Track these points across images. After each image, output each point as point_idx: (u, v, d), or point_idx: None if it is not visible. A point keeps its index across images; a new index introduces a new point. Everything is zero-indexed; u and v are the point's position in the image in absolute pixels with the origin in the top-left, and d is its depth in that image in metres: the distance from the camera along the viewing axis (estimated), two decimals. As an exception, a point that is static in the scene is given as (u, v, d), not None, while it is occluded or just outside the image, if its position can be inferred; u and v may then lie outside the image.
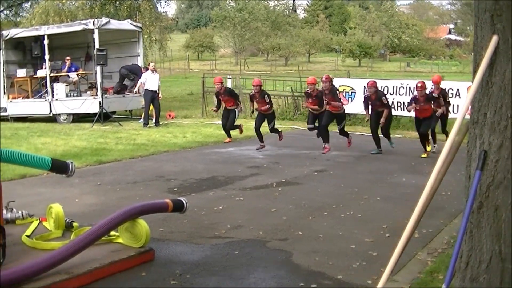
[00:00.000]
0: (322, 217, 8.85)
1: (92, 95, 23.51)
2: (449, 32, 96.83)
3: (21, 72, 25.19)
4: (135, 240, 6.92)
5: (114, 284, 6.13)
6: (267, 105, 15.72)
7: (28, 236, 7.22)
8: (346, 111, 16.47)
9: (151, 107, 22.26)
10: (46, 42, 23.84)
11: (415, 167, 13.08)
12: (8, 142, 16.81)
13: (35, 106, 24.67)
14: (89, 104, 23.14)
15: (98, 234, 6.48)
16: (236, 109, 17.34)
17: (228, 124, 17.49)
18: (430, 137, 15.17)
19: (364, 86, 19.14)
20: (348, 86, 21.94)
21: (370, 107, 15.42)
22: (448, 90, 18.26)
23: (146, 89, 21.91)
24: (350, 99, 21.12)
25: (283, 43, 74.66)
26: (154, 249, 7.01)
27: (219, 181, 11.61)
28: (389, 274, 4.51)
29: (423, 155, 14.73)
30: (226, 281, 6.15)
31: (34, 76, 25.26)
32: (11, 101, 25.22)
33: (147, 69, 23.47)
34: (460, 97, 19.06)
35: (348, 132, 16.29)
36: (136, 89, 23.31)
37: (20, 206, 8.35)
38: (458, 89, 19.33)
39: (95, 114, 22.21)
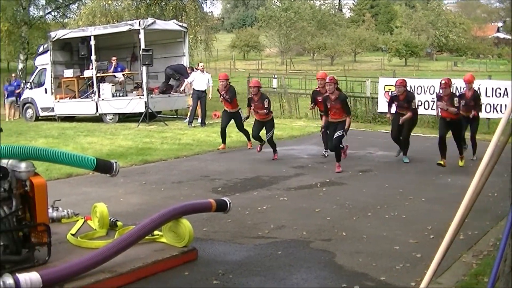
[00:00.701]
0: (366, 217, 8.77)
1: (138, 95, 23.69)
2: (498, 31, 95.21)
3: (68, 73, 25.53)
4: (179, 239, 6.94)
5: (157, 283, 6.16)
6: (265, 110, 13.98)
7: (73, 235, 7.29)
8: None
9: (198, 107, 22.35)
10: (92, 42, 24.13)
11: (461, 168, 12.86)
12: (55, 141, 17.05)
13: (82, 106, 24.96)
14: (135, 104, 23.33)
15: (142, 233, 6.51)
16: (239, 111, 16.05)
17: (239, 128, 16.19)
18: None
19: (410, 86, 18.71)
20: (394, 86, 21.70)
21: (395, 108, 14.04)
22: (495, 90, 17.93)
23: (194, 89, 22.02)
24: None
25: (329, 42, 74.30)
26: (197, 248, 7.02)
27: (263, 181, 11.60)
28: (432, 275, 4.44)
29: (460, 164, 13.20)
30: (268, 282, 6.13)
31: (81, 77, 25.56)
32: (58, 101, 25.58)
33: (192, 69, 23.57)
34: (508, 97, 18.59)
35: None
36: (182, 89, 23.46)
37: (65, 205, 8.45)
38: (506, 89, 18.81)
39: (140, 113, 22.39)
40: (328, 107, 12.68)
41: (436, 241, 6.71)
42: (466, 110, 13.50)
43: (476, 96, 13.89)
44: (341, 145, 12.73)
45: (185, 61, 25.22)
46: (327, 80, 12.96)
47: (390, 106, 14.32)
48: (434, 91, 19.48)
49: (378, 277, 6.22)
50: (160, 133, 19.45)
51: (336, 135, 12.48)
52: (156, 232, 7.08)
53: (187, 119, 22.73)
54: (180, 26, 25.31)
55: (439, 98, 13.17)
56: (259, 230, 8.09)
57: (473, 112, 13.70)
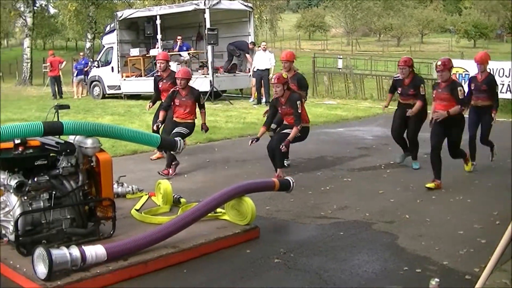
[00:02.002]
0: (430, 201, 8.65)
1: (203, 74, 23.80)
2: None
3: (135, 51, 25.87)
4: (241, 217, 6.97)
5: (218, 260, 6.21)
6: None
7: (137, 210, 7.41)
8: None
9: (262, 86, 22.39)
10: (158, 22, 24.38)
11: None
12: (121, 119, 17.30)
13: (148, 84, 25.12)
14: (200, 82, 23.40)
15: (205, 210, 6.56)
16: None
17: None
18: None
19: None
20: (462, 68, 21.27)
21: (399, 97, 11.01)
22: None
23: (256, 68, 22.06)
24: (463, 81, 20.45)
25: (396, 23, 73.15)
26: (260, 227, 7.04)
27: (327, 161, 11.56)
28: (496, 262, 4.35)
29: (466, 168, 10.60)
30: (329, 262, 6.12)
31: (146, 55, 25.84)
32: (124, 79, 25.92)
33: (254, 44, 23.56)
34: None
35: None
36: (249, 68, 23.51)
37: (130, 181, 8.58)
38: None
39: (205, 92, 22.50)
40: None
41: (502, 227, 6.56)
42: (477, 97, 10.64)
43: (490, 80, 10.60)
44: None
45: (250, 41, 25.19)
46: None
47: (391, 93, 11.37)
48: (503, 73, 19.04)
49: (441, 261, 6.13)
50: (225, 111, 19.54)
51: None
52: (219, 210, 7.13)
53: (252, 99, 22.81)
54: (245, 5, 25.25)
55: (434, 86, 9.93)
56: (321, 210, 8.07)
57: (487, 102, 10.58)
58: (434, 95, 9.59)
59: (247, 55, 23.88)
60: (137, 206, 7.57)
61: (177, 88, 10.48)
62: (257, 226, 7.00)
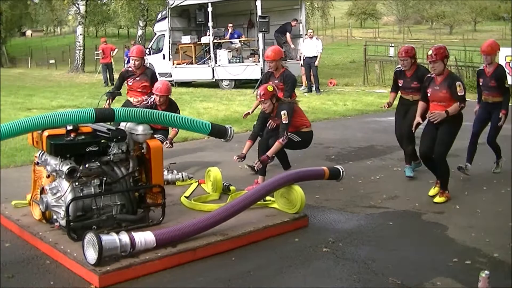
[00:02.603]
0: (481, 191, 8.53)
1: (254, 62, 23.83)
2: None
3: (186, 39, 26.01)
4: (290, 206, 6.98)
5: (267, 248, 6.22)
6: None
7: (186, 197, 7.46)
8: None
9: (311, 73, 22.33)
10: (210, 9, 24.40)
11: None
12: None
13: (199, 72, 25.34)
14: (251, 70, 23.50)
15: (254, 198, 6.57)
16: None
17: None
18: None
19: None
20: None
21: (400, 90, 9.52)
22: None
23: (305, 56, 22.03)
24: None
25: (448, 11, 72.24)
26: (309, 215, 7.03)
27: (377, 150, 11.48)
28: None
29: (436, 200, 8.04)
30: (378, 252, 6.08)
31: (198, 43, 25.99)
32: (175, 67, 26.09)
33: (296, 20, 23.49)
34: None
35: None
36: (300, 56, 23.44)
37: (180, 168, 8.63)
38: None
39: (256, 80, 22.52)
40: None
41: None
42: (487, 94, 9.37)
43: (498, 74, 9.18)
44: None
45: (302, 29, 25.10)
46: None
47: (394, 89, 9.68)
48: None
49: (491, 254, 6.02)
50: (275, 99, 19.49)
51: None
52: (268, 198, 7.14)
53: (303, 87, 22.77)
54: (296, -7, 25.19)
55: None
56: (371, 199, 8.03)
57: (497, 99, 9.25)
58: (429, 94, 8.07)
59: (287, 34, 23.74)
60: (187, 193, 7.64)
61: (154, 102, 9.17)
62: (306, 215, 7.00)
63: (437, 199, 7.93)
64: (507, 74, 9.45)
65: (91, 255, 5.34)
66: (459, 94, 7.72)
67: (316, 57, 22.02)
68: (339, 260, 5.86)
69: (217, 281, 5.40)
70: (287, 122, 8.27)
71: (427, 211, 7.49)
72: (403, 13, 75.11)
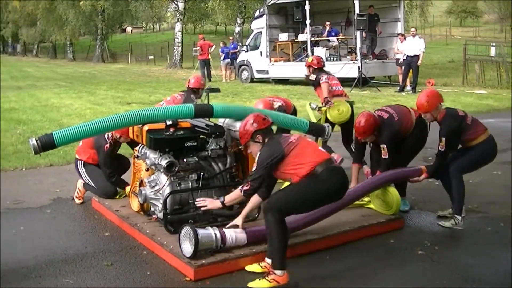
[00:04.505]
0: None
1: (352, 60, 23.67)
2: None
3: (283, 36, 26.10)
4: (386, 207, 6.92)
5: (361, 248, 6.19)
6: None
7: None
8: None
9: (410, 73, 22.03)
10: (307, 7, 24.37)
11: None
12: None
13: (296, 69, 25.32)
14: (348, 68, 23.35)
15: (351, 198, 6.52)
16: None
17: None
18: None
19: None
20: None
21: None
22: None
23: (406, 55, 21.75)
24: None
25: (556, 9, 69.79)
26: (404, 217, 6.94)
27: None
28: None
29: None
30: (475, 258, 5.94)
31: (295, 40, 26.02)
32: (273, 64, 26.19)
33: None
34: None
35: None
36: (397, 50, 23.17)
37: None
38: None
39: (354, 78, 22.36)
40: None
41: None
42: None
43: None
44: None
45: (400, 27, 24.77)
46: None
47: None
48: None
49: None
50: (373, 98, 19.34)
51: None
52: (366, 199, 7.07)
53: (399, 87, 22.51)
54: (395, -10, 24.91)
55: None
56: (469, 203, 7.79)
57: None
58: None
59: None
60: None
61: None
62: (401, 217, 6.93)
63: None
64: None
65: (187, 248, 5.43)
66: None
67: (418, 56, 21.68)
68: (434, 264, 5.76)
69: (312, 279, 5.41)
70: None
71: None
72: (505, 11, 72.89)
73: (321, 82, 9.28)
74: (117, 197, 7.65)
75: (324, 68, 9.79)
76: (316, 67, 9.68)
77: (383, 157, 7.11)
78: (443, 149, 6.80)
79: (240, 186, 5.56)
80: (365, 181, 6.88)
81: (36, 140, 5.67)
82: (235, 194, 5.60)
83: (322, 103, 9.07)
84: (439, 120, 6.85)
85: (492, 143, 7.04)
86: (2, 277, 5.57)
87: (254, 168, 5.50)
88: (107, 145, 7.49)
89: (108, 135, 7.41)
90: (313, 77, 9.59)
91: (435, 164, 7.08)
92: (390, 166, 7.05)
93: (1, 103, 18.86)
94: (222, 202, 5.64)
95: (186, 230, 5.47)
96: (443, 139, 6.75)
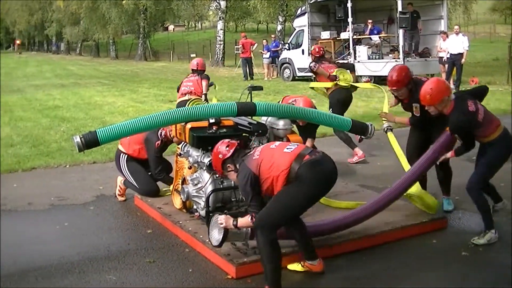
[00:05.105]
0: None
1: (394, 58, 23.48)
2: None
3: (325, 34, 26.07)
4: (425, 206, 6.82)
5: (404, 248, 6.15)
6: None
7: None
8: None
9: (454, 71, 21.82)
10: (349, 5, 24.26)
11: None
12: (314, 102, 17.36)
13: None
14: (391, 67, 23.09)
15: (392, 197, 6.44)
16: None
17: None
18: None
19: None
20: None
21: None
22: None
23: (450, 53, 21.53)
24: None
25: None
26: (448, 217, 6.85)
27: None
28: None
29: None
30: (521, 260, 5.81)
31: (337, 38, 25.91)
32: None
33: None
34: None
35: None
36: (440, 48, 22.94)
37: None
38: None
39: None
40: None
41: None
42: None
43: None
44: None
45: (443, 25, 24.48)
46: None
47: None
48: None
49: None
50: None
51: None
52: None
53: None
54: (439, -13, 24.63)
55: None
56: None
57: None
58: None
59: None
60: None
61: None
62: (445, 216, 6.85)
63: None
64: None
65: (215, 236, 5.41)
66: None
67: (462, 54, 21.44)
68: (478, 266, 5.69)
69: (346, 279, 5.41)
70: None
71: None
72: (551, 9, 71.80)
73: (314, 69, 10.61)
74: (161, 195, 7.71)
75: (326, 56, 11.33)
76: (317, 55, 10.95)
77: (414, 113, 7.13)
78: (461, 142, 6.31)
79: (250, 215, 5.13)
80: (408, 172, 6.69)
81: (80, 138, 5.73)
82: (246, 221, 5.19)
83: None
84: (446, 114, 6.27)
85: (506, 139, 6.34)
86: (43, 271, 5.68)
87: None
88: (159, 142, 7.54)
89: (161, 132, 7.47)
90: (312, 64, 10.80)
91: (461, 149, 6.42)
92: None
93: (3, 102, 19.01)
94: (235, 225, 5.27)
95: (216, 218, 5.44)
96: (455, 135, 6.35)
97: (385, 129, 7.84)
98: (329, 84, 10.45)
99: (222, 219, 5.30)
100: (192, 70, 11.53)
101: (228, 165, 5.31)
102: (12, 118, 16.02)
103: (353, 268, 5.62)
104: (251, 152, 5.34)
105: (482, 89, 6.97)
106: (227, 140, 5.46)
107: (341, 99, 10.40)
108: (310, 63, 11.00)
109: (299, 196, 4.98)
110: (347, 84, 10.29)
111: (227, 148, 5.32)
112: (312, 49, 11.39)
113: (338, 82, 10.29)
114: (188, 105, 7.93)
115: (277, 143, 5.44)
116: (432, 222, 6.69)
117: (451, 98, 6.23)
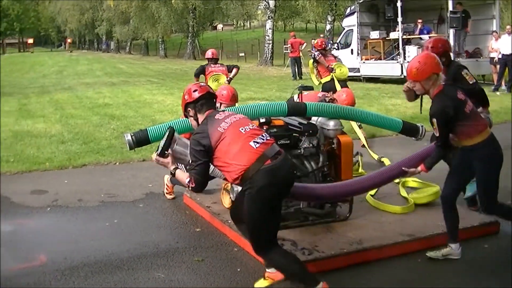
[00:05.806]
0: None
1: (444, 58, 23.17)
2: None
3: (374, 34, 25.85)
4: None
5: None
6: None
7: (372, 196, 7.36)
8: None
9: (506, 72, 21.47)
10: (399, 4, 23.99)
11: None
12: (359, 102, 17.21)
13: (387, 68, 25.04)
14: (440, 67, 22.87)
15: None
16: None
17: None
18: None
19: None
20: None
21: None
22: None
23: (502, 53, 21.20)
24: None
25: None
26: (500, 221, 6.71)
27: None
28: None
29: None
30: None
31: (386, 38, 25.69)
32: (364, 62, 25.95)
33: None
34: None
35: None
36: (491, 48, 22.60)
37: (367, 166, 8.52)
38: None
39: (445, 77, 21.92)
40: None
41: None
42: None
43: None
44: None
45: (495, 25, 24.10)
46: None
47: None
48: None
49: None
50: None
51: None
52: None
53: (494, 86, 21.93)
54: (492, -13, 24.26)
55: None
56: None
57: None
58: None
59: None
60: (372, 192, 7.49)
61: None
62: (497, 221, 6.68)
63: None
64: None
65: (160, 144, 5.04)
66: None
67: (512, 54, 21.13)
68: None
69: (399, 282, 5.36)
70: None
71: None
72: None
73: (317, 58, 13.22)
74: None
75: (327, 49, 13.66)
76: (319, 48, 13.36)
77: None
78: (437, 134, 5.46)
79: (188, 177, 4.77)
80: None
81: (131, 136, 5.78)
82: (182, 179, 4.85)
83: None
84: (431, 96, 5.54)
85: (492, 146, 5.55)
86: (93, 267, 5.76)
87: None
88: None
89: None
90: (316, 53, 13.26)
91: (434, 157, 5.68)
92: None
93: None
94: (172, 173, 4.92)
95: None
96: (434, 120, 5.39)
97: None
98: (327, 78, 13.31)
99: (168, 160, 4.95)
100: (208, 59, 13.16)
101: (189, 109, 5.05)
102: (63, 115, 16.22)
103: (409, 271, 5.59)
104: (219, 117, 4.87)
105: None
106: (203, 84, 5.23)
107: (333, 89, 12.16)
108: (315, 51, 13.50)
109: (255, 213, 4.67)
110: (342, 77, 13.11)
111: (195, 92, 5.01)
112: (315, 42, 13.98)
113: (333, 74, 12.93)
114: (210, 79, 11.81)
115: (248, 126, 4.86)
116: (483, 226, 6.58)
117: (441, 78, 5.60)
